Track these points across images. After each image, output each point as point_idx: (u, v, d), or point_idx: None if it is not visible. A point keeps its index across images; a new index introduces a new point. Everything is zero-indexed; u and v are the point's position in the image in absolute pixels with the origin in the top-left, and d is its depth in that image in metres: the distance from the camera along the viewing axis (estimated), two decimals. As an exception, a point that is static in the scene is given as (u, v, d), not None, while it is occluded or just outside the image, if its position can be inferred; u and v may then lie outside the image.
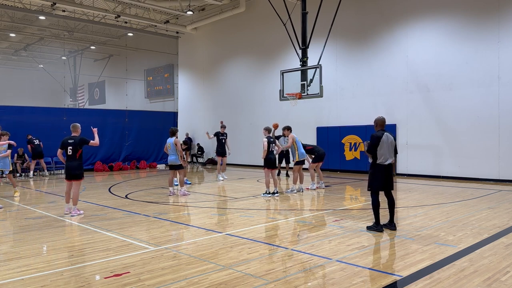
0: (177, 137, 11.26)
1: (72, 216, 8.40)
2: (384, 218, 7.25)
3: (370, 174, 6.91)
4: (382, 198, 6.98)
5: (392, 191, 6.97)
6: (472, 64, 13.89)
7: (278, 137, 13.95)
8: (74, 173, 8.53)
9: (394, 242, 6.22)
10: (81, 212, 8.69)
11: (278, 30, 17.13)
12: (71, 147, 8.52)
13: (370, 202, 6.93)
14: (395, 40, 15.82)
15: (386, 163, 6.77)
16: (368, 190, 6.94)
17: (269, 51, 20.21)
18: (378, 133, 6.87)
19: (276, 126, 13.47)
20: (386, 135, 6.83)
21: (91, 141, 8.73)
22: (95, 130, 9.14)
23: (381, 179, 6.79)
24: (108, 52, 29.09)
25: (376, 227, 6.80)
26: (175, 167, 11.31)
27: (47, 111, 19.55)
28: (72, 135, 8.71)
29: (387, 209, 7.05)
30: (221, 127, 15.50)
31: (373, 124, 7.06)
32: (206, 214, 8.75)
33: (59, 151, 8.63)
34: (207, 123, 23.49)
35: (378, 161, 6.78)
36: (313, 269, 4.95)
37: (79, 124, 8.89)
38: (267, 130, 11.12)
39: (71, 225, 7.57)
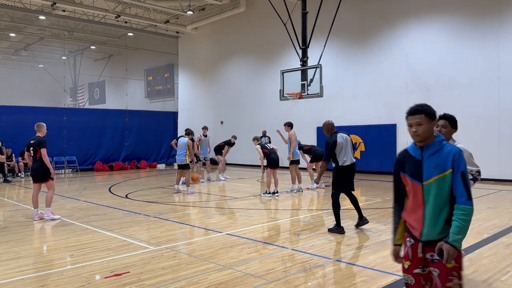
0: (190, 139, 11.73)
1: (41, 218, 7.93)
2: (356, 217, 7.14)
3: (334, 177, 6.86)
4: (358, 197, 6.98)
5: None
6: (472, 64, 13.87)
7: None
8: (33, 175, 8.13)
9: (394, 242, 6.21)
10: (56, 216, 8.02)
11: (278, 30, 17.11)
12: (32, 148, 7.95)
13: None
14: (395, 40, 15.81)
15: (349, 163, 6.75)
16: (332, 192, 6.89)
17: (269, 51, 20.20)
18: (331, 137, 6.77)
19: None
20: (341, 136, 6.77)
21: (42, 149, 7.87)
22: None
23: (346, 181, 6.80)
24: (108, 52, 29.09)
25: (338, 229, 6.73)
26: (181, 167, 11.60)
27: (47, 111, 19.49)
28: (36, 135, 8.09)
29: (353, 208, 7.03)
30: (233, 137, 15.31)
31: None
32: (206, 214, 8.76)
33: (26, 153, 8.12)
34: (207, 123, 23.39)
35: (340, 164, 6.74)
36: (313, 269, 4.95)
37: (44, 124, 8.24)
38: (256, 139, 11.46)
39: (71, 225, 7.57)
